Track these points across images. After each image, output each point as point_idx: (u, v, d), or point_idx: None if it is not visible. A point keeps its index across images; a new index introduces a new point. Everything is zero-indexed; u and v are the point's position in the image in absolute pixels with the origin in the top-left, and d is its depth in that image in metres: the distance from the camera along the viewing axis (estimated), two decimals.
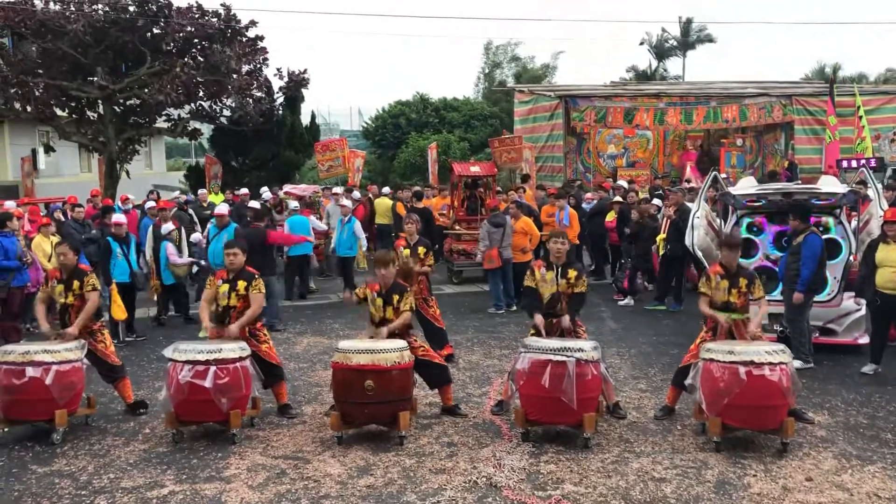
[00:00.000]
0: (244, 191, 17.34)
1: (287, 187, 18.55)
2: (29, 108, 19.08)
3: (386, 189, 18.97)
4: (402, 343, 6.79)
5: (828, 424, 6.95)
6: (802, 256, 8.62)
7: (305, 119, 25.20)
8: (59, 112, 19.85)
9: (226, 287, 7.17)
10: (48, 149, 21.65)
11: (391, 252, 7.91)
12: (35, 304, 7.55)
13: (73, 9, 18.19)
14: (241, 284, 7.15)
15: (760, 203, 10.15)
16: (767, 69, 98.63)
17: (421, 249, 9.08)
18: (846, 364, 8.89)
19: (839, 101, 19.93)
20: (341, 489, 5.71)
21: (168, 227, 11.79)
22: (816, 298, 9.05)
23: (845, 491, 5.60)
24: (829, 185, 10.14)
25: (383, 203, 16.95)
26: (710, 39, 45.87)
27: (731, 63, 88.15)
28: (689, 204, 11.74)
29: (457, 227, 15.29)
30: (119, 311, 10.22)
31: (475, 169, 16.12)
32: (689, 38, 45.60)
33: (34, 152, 24.17)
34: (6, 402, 6.68)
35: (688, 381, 6.73)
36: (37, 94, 18.68)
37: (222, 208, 12.12)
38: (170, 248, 11.65)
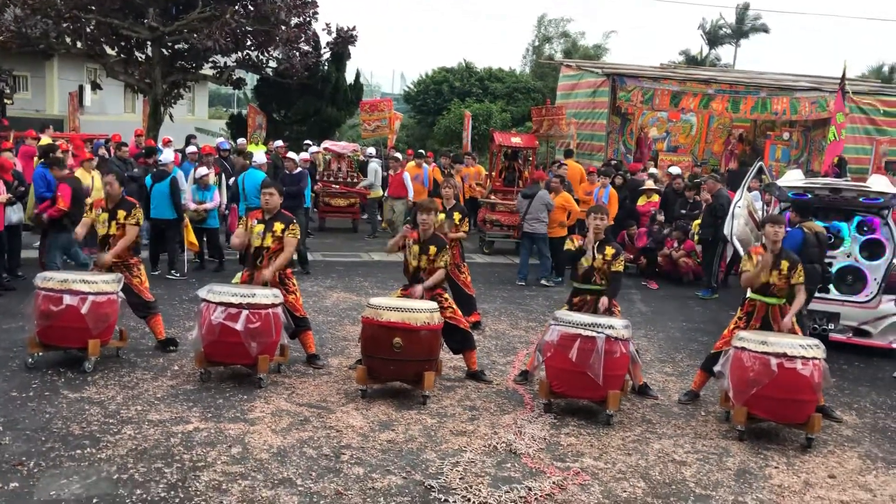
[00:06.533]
0: (280, 143, 17.36)
1: (326, 143, 18.57)
2: (79, 44, 19.18)
3: (420, 153, 18.92)
4: (433, 304, 6.80)
5: (855, 425, 6.87)
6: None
7: (350, 77, 25.14)
8: (108, 50, 19.97)
9: (261, 227, 7.19)
10: (95, 86, 21.82)
11: (436, 200, 7.83)
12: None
13: None
14: (278, 226, 7.17)
15: (806, 197, 9.96)
16: (821, 65, 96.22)
17: (456, 215, 9.02)
18: (878, 367, 8.77)
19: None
20: (362, 441, 5.77)
21: (202, 171, 11.87)
22: (854, 298, 8.89)
23: (868, 491, 5.53)
24: (879, 184, 9.91)
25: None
26: (764, 29, 44.98)
27: (783, 56, 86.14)
28: (726, 191, 12.17)
29: (492, 197, 15.18)
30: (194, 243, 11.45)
31: (516, 140, 15.97)
32: (743, 26, 44.73)
33: (81, 89, 24.42)
34: (42, 327, 6.82)
35: (717, 368, 6.67)
36: (88, 30, 18.81)
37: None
38: (187, 192, 11.68)
